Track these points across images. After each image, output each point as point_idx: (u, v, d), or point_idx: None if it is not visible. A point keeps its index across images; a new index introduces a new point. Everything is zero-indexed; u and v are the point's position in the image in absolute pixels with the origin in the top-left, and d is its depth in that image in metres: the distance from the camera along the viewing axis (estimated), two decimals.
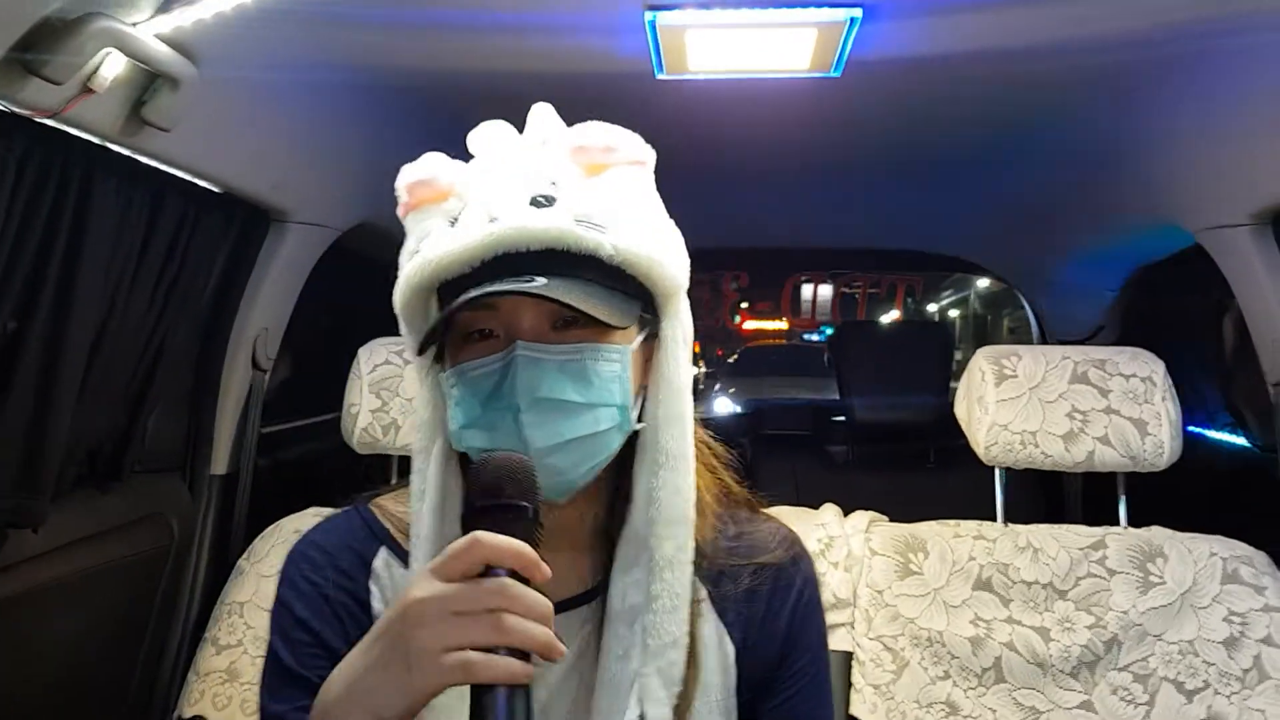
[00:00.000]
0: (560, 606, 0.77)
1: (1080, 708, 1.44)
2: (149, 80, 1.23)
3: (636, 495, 0.85)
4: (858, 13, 1.23)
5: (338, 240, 2.01)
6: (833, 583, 1.58)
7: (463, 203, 0.82)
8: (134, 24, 1.13)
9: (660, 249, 0.83)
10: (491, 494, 0.69)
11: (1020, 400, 1.56)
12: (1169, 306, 2.33)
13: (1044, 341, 2.97)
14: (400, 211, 0.87)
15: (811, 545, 1.60)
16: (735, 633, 0.91)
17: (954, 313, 17.80)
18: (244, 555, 1.69)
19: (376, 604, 0.88)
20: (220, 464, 1.88)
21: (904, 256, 3.22)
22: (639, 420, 0.84)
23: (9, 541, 1.36)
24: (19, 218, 1.22)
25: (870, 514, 1.70)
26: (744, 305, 13.09)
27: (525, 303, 0.78)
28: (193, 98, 1.29)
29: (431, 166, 0.85)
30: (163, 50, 1.20)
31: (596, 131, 0.85)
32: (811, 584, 0.97)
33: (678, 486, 0.84)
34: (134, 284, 1.50)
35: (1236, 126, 1.46)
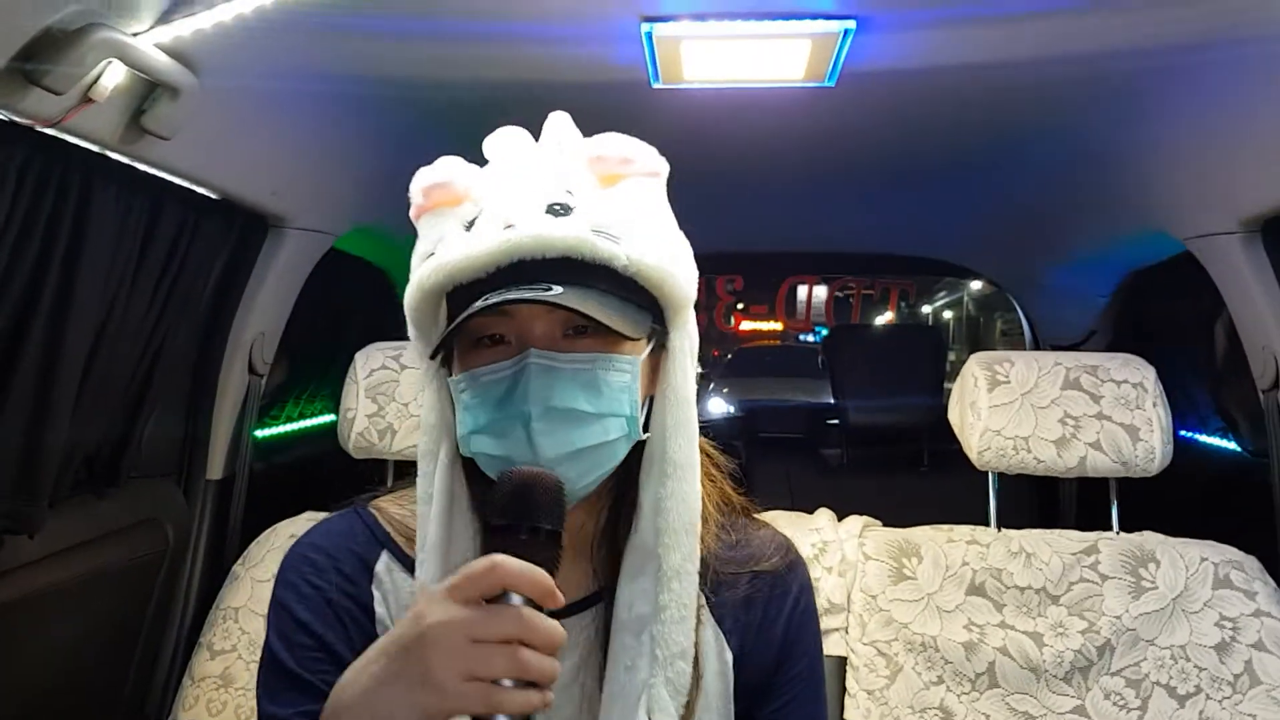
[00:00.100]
0: (562, 612, 0.78)
1: (1073, 713, 1.45)
2: (149, 89, 1.23)
3: (644, 505, 0.85)
4: (852, 24, 1.24)
5: (334, 246, 2.02)
6: (827, 588, 1.59)
7: (478, 207, 0.83)
8: (134, 34, 1.14)
9: (672, 261, 0.84)
10: (514, 513, 0.69)
11: (1013, 406, 1.58)
12: (1160, 312, 2.35)
13: (1036, 346, 2.99)
14: (413, 213, 0.87)
15: (806, 550, 1.61)
16: (733, 639, 0.91)
17: (948, 315, 17.85)
18: (239, 561, 1.69)
19: (379, 608, 0.88)
20: (216, 469, 1.88)
21: (897, 261, 3.23)
22: (644, 429, 0.85)
23: (5, 547, 1.36)
24: (18, 225, 1.23)
25: (864, 519, 1.71)
26: (739, 307, 13.10)
27: (539, 310, 0.78)
28: (192, 107, 1.30)
29: (448, 170, 0.85)
30: (163, 60, 1.21)
31: (614, 142, 0.85)
32: (807, 590, 0.98)
33: (684, 496, 0.84)
34: (132, 290, 1.50)
35: (1225, 136, 1.48)
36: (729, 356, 11.18)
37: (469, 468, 0.85)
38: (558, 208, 0.80)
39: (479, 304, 0.76)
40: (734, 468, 1.01)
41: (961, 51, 1.36)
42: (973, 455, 1.60)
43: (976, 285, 13.03)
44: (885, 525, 1.70)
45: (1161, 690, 1.43)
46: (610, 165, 0.85)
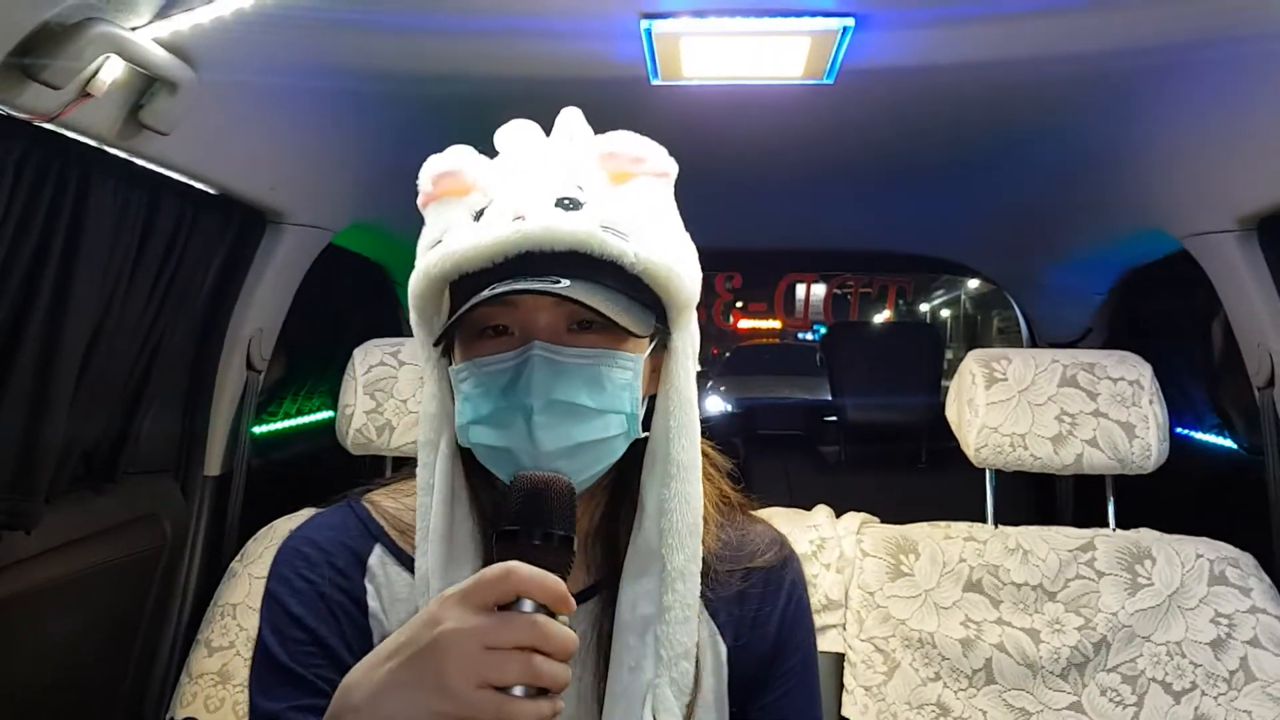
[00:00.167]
0: None
1: (1069, 709, 1.45)
2: (147, 84, 1.23)
3: (646, 506, 0.85)
4: (850, 22, 1.24)
5: (332, 242, 2.02)
6: (824, 584, 1.59)
7: (487, 198, 0.83)
8: (133, 29, 1.14)
9: (678, 262, 0.84)
10: (526, 519, 0.69)
11: (1010, 403, 1.58)
12: (1156, 310, 2.35)
13: (1033, 343, 3.00)
14: (421, 201, 0.87)
15: (804, 547, 1.62)
16: (727, 634, 0.92)
17: (945, 313, 17.87)
18: (237, 557, 1.69)
19: (373, 602, 0.87)
20: (214, 465, 1.88)
21: (895, 258, 3.23)
22: (645, 429, 0.85)
23: (3, 543, 1.36)
24: (16, 220, 1.23)
25: (862, 515, 1.72)
26: (738, 305, 13.10)
27: (545, 303, 0.79)
28: (191, 101, 1.29)
29: (459, 159, 0.85)
30: (161, 55, 1.20)
31: (627, 140, 0.86)
32: (801, 586, 0.98)
33: (688, 497, 0.85)
34: (130, 285, 1.50)
35: (1222, 134, 1.48)
36: (727, 355, 11.18)
37: (467, 459, 0.85)
38: (567, 202, 0.80)
39: (487, 292, 0.75)
40: (731, 467, 1.01)
41: (960, 50, 1.36)
42: (970, 452, 1.61)
43: (974, 284, 13.05)
44: (883, 522, 1.71)
45: (1157, 686, 1.44)
46: (622, 163, 0.85)
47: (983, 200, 2.32)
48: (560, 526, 0.69)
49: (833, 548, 1.63)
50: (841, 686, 1.54)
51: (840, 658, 1.56)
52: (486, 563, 0.83)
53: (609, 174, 0.85)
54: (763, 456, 3.19)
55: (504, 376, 0.78)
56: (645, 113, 1.58)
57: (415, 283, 0.83)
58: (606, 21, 1.27)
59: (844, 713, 1.51)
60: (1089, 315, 2.61)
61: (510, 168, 0.85)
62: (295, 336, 2.08)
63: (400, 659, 0.67)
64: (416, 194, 0.88)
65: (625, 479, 0.88)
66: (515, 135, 0.89)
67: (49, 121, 1.15)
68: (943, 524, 1.64)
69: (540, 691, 0.64)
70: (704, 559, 0.87)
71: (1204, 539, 1.55)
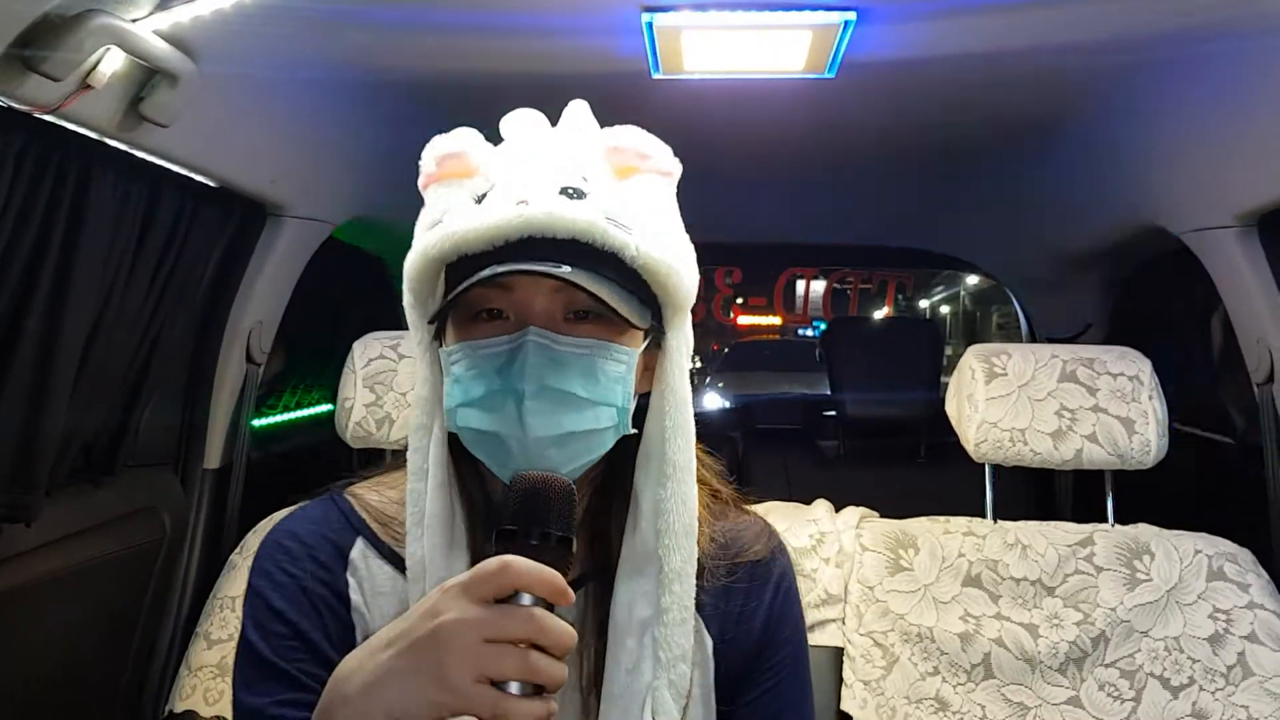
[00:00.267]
0: None
1: (1068, 703, 1.46)
2: (147, 76, 1.23)
3: (642, 506, 0.85)
4: (852, 16, 1.24)
5: (332, 235, 2.02)
6: (824, 579, 1.60)
7: (490, 183, 0.82)
8: (133, 20, 1.13)
9: (678, 260, 0.84)
10: (525, 518, 0.68)
11: (1010, 398, 1.58)
12: (1156, 305, 2.35)
13: (1033, 339, 3.00)
14: (422, 182, 0.86)
15: (803, 541, 1.62)
16: (712, 627, 0.91)
17: (945, 309, 17.86)
18: (236, 550, 1.69)
19: (355, 595, 0.87)
20: (213, 458, 1.88)
21: (896, 253, 3.23)
22: (639, 428, 0.85)
23: (2, 536, 1.36)
24: (16, 212, 1.22)
25: (861, 510, 1.72)
26: (739, 301, 13.10)
27: (542, 289, 0.78)
28: (191, 94, 1.29)
29: (464, 141, 0.85)
30: (162, 47, 1.20)
31: (633, 135, 0.86)
32: (788, 578, 0.97)
33: (684, 498, 0.84)
34: (130, 278, 1.50)
35: (1222, 130, 1.48)
36: (726, 350, 11.18)
37: (456, 445, 0.84)
38: (571, 191, 0.80)
39: (488, 271, 0.75)
40: (721, 467, 1.00)
41: (960, 44, 1.36)
42: (969, 447, 1.61)
43: (973, 280, 13.04)
44: (882, 517, 1.71)
45: (1155, 681, 1.44)
46: (627, 157, 0.85)
47: (983, 195, 2.32)
48: (558, 527, 0.68)
49: (832, 542, 1.63)
50: (840, 681, 1.54)
51: (839, 652, 1.56)
52: (474, 552, 0.83)
53: (613, 168, 0.84)
54: (762, 451, 3.19)
55: (497, 360, 0.78)
56: (646, 107, 1.57)
57: (412, 262, 0.82)
58: (608, 15, 1.27)
59: (843, 707, 1.51)
60: (1089, 311, 2.61)
61: (515, 154, 0.85)
62: (295, 330, 2.07)
63: (397, 649, 0.66)
64: (416, 190, 0.88)
65: (615, 475, 0.88)
66: (521, 123, 0.89)
67: (49, 113, 1.15)
68: (942, 519, 1.64)
69: (536, 690, 0.64)
70: (699, 560, 0.86)
71: (1202, 534, 1.55)
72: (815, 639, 1.56)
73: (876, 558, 1.59)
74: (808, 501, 1.75)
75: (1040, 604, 1.51)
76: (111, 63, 1.13)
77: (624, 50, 1.37)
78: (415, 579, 0.83)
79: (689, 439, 0.86)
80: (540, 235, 0.77)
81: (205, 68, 1.29)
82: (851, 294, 11.82)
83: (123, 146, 1.33)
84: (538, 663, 0.63)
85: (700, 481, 0.93)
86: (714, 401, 6.00)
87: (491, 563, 0.65)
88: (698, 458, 0.94)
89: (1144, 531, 1.57)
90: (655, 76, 1.46)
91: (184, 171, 1.49)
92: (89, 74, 1.11)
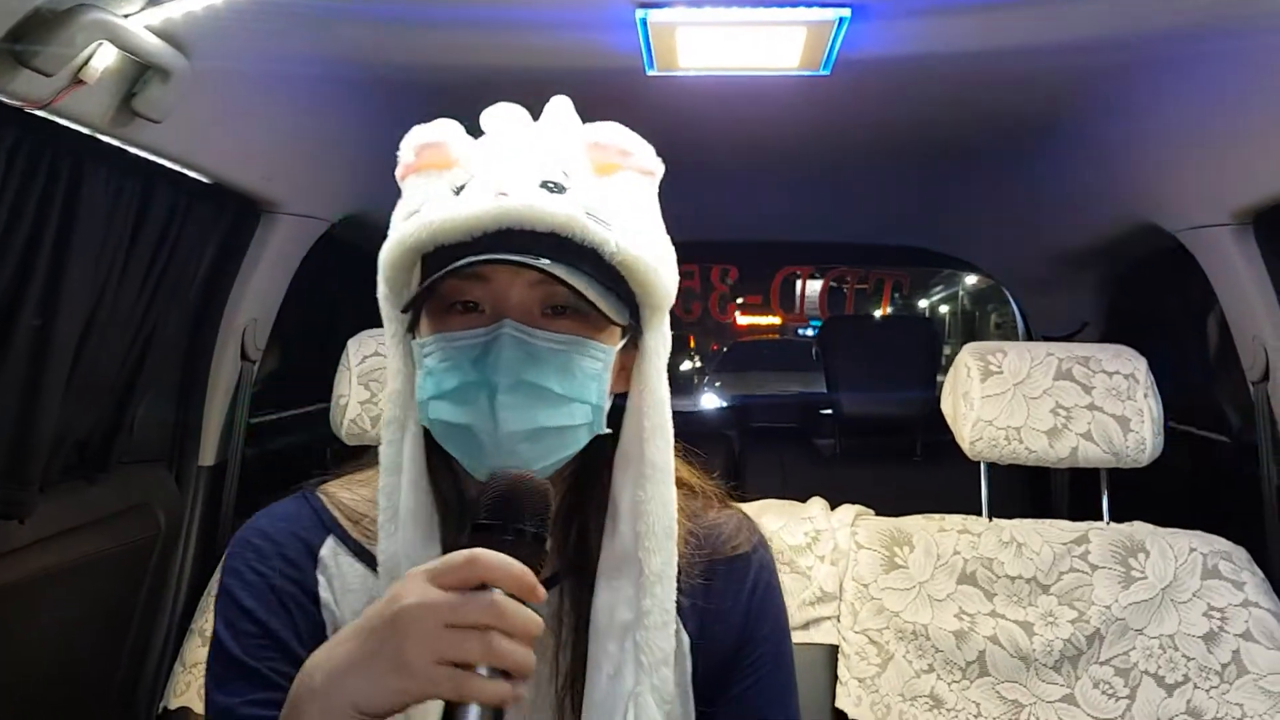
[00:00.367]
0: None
1: (1062, 701, 1.46)
2: (140, 72, 1.22)
3: (620, 507, 0.84)
4: (846, 12, 1.23)
5: (327, 232, 2.01)
6: (819, 576, 1.60)
7: (469, 174, 0.81)
8: (125, 16, 1.13)
9: (658, 259, 0.83)
10: (499, 514, 0.68)
11: (1005, 396, 1.58)
12: (1151, 304, 2.36)
13: (1029, 337, 3.00)
14: (400, 173, 0.85)
15: (798, 538, 1.62)
16: (689, 624, 0.89)
17: (944, 309, 17.87)
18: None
19: (324, 594, 0.86)
20: (208, 455, 1.88)
21: (892, 252, 3.23)
22: (615, 429, 0.84)
23: None
24: (8, 208, 1.22)
25: (857, 508, 1.72)
26: (738, 301, 13.09)
27: (519, 281, 0.77)
28: (184, 89, 1.29)
29: (444, 131, 0.84)
30: (154, 42, 1.19)
31: (614, 132, 0.85)
32: (768, 573, 0.95)
33: (664, 499, 0.83)
34: (123, 274, 1.49)
35: (1218, 128, 1.48)
36: (725, 350, 11.16)
37: (429, 439, 0.83)
38: (551, 185, 0.79)
39: (465, 260, 0.74)
40: (701, 467, 0.98)
41: (956, 41, 1.36)
42: (965, 445, 1.61)
43: (971, 280, 13.04)
44: (878, 515, 1.71)
45: (1150, 679, 1.44)
46: (608, 154, 0.84)
47: (979, 193, 2.32)
48: (532, 524, 0.68)
49: (827, 540, 1.63)
50: (835, 678, 1.54)
51: (834, 649, 1.56)
52: (447, 548, 0.81)
53: (594, 164, 0.83)
54: (758, 449, 3.19)
55: (472, 352, 0.77)
56: (640, 104, 1.58)
57: (388, 251, 0.81)
58: (602, 11, 1.27)
59: (838, 704, 1.51)
60: (1085, 309, 2.61)
61: (495, 147, 0.84)
62: (289, 327, 2.07)
63: (359, 637, 0.66)
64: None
65: (589, 475, 0.87)
66: (502, 116, 0.88)
67: (41, 109, 1.14)
68: (937, 517, 1.64)
69: (504, 676, 0.63)
70: (678, 563, 0.85)
71: (1197, 533, 1.55)
72: (810, 637, 1.56)
73: (871, 555, 1.59)
74: (803, 499, 1.75)
75: (1035, 602, 1.51)
76: (104, 58, 1.12)
77: (619, 47, 1.37)
78: (387, 575, 0.81)
79: (668, 440, 0.85)
80: (519, 227, 0.76)
81: (198, 63, 1.29)
82: (848, 293, 11.81)
83: (115, 142, 1.33)
84: (500, 645, 0.62)
85: (679, 483, 0.92)
86: (712, 401, 5.99)
87: (459, 554, 0.64)
88: (677, 457, 0.93)
89: (1139, 529, 1.57)
90: (650, 73, 1.46)
91: (177, 168, 1.49)
92: (81, 69, 1.11)
